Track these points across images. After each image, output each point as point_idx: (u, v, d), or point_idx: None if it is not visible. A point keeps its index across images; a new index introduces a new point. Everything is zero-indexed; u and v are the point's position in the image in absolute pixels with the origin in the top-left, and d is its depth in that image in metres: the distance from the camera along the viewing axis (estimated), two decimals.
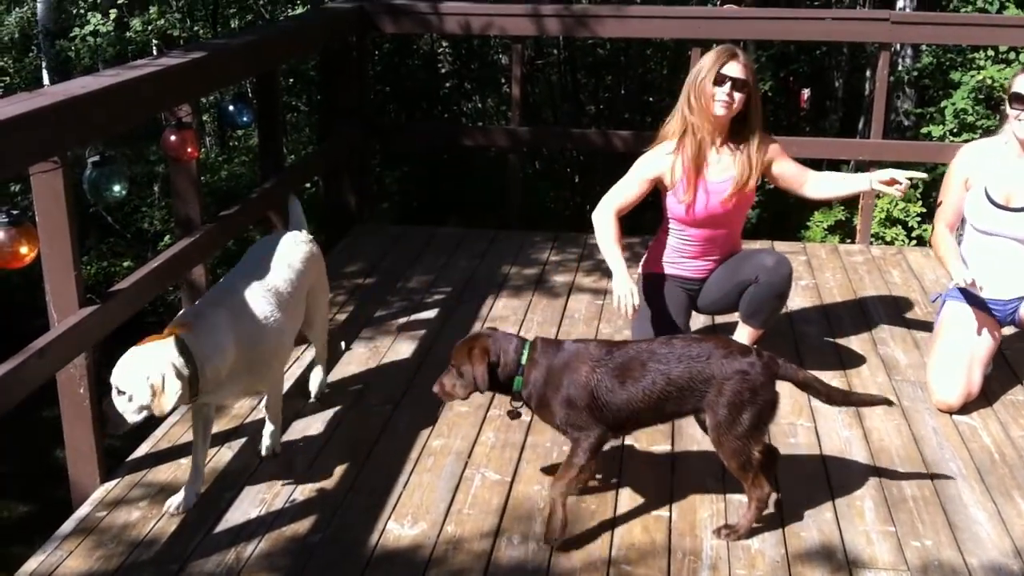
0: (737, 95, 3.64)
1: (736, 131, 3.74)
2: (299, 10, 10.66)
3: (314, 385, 3.76)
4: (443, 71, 10.98)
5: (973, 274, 3.54)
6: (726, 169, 3.75)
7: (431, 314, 4.54)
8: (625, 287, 3.52)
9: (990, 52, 7.94)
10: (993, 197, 3.69)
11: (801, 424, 3.58)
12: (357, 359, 4.08)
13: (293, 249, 3.49)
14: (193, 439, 3.13)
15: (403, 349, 4.17)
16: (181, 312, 3.24)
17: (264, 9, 11.02)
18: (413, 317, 4.50)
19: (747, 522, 2.94)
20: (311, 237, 3.63)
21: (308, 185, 8.70)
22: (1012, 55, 7.54)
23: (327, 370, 3.84)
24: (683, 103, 3.75)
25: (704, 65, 3.68)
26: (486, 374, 2.86)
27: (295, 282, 3.37)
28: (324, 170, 5.90)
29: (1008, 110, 3.63)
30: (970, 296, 3.77)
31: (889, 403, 3.13)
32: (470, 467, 3.29)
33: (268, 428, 3.36)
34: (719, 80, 3.63)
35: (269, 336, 3.15)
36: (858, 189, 3.86)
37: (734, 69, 3.63)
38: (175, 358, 2.79)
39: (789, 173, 3.85)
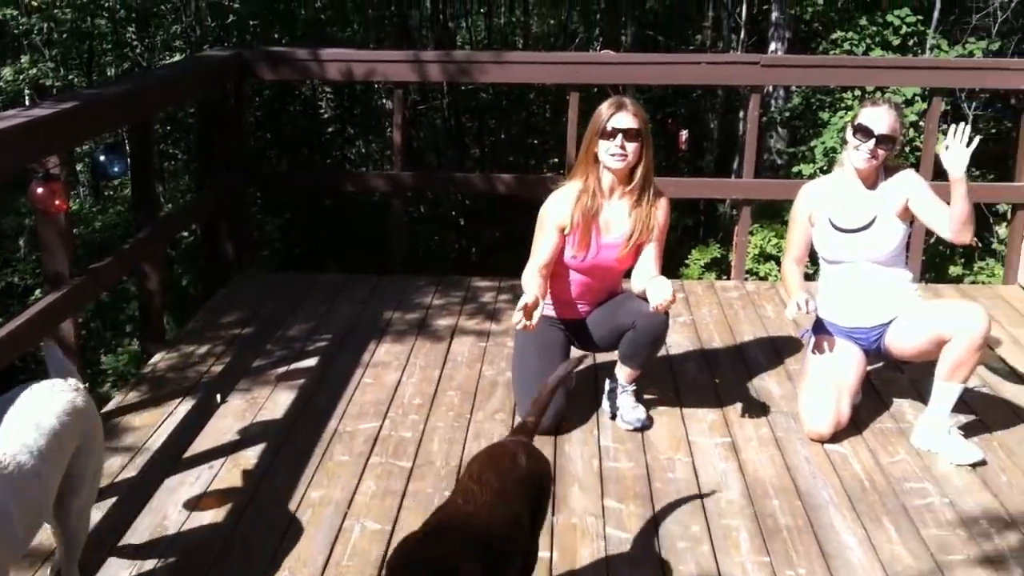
0: (630, 145, 3.67)
1: (632, 183, 3.75)
2: (177, 57, 10.54)
3: None
4: (325, 116, 10.97)
5: (803, 297, 3.67)
6: (620, 225, 3.79)
7: (311, 362, 4.49)
8: (530, 295, 3.44)
9: (857, 92, 8.28)
10: (838, 224, 3.84)
11: (679, 459, 3.64)
12: (233, 412, 4.00)
13: (44, 405, 2.55)
14: None
15: (282, 399, 4.10)
16: None
17: (141, 57, 10.86)
18: (293, 366, 4.44)
19: None
20: (79, 385, 2.72)
21: (186, 233, 8.56)
22: (879, 95, 7.87)
23: None
24: (582, 155, 3.79)
25: (595, 119, 3.71)
26: None
27: (37, 454, 2.42)
28: (201, 219, 5.80)
29: (850, 139, 3.78)
30: (835, 328, 3.91)
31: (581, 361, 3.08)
32: (349, 517, 3.24)
33: None
34: (610, 134, 3.67)
35: None
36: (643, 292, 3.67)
37: (623, 120, 3.66)
38: None
39: (645, 253, 3.83)
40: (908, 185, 3.79)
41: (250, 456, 3.65)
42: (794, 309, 3.68)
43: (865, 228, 3.78)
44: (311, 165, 10.29)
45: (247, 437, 3.79)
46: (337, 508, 3.30)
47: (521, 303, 3.41)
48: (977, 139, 3.58)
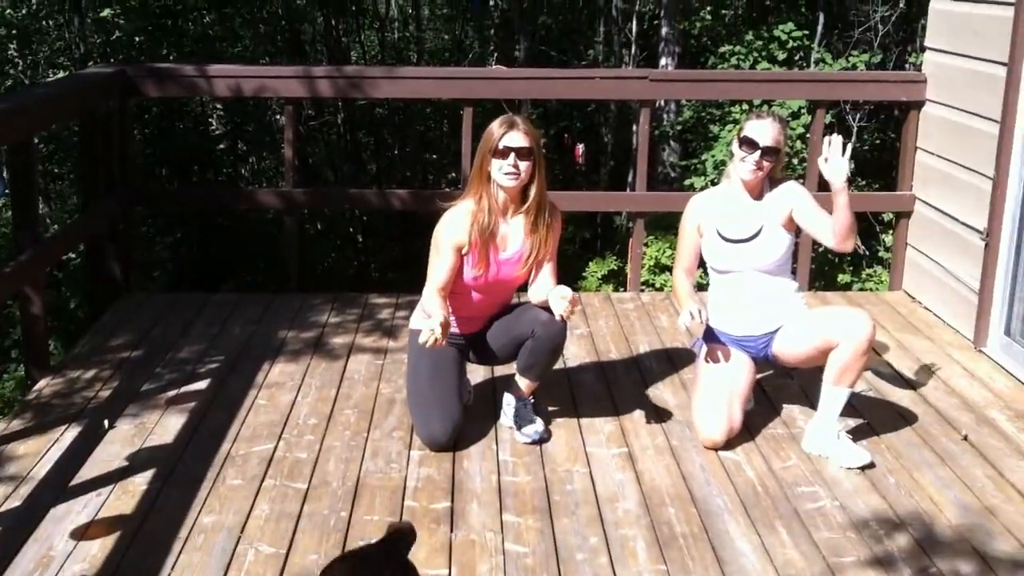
0: (523, 164, 3.67)
1: (527, 202, 3.76)
2: (62, 75, 10.26)
3: None
4: (216, 133, 10.79)
5: (695, 307, 3.71)
6: (516, 241, 3.79)
7: (203, 385, 4.38)
8: (428, 324, 3.44)
9: (745, 106, 8.46)
10: (725, 235, 3.91)
11: (577, 470, 3.65)
12: (121, 437, 3.88)
13: None
14: None
15: (172, 423, 4.00)
16: None
17: (24, 74, 10.55)
18: (183, 389, 4.33)
19: None
20: None
21: (73, 255, 8.32)
22: (765, 108, 8.05)
23: None
24: (475, 173, 3.77)
25: (487, 138, 3.70)
26: None
27: None
28: (87, 239, 5.64)
29: (736, 151, 3.86)
30: (725, 336, 3.97)
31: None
32: (243, 542, 3.16)
33: None
34: (502, 153, 3.66)
35: None
36: (548, 300, 3.69)
37: (515, 139, 3.66)
38: None
39: (543, 268, 3.86)
40: (791, 196, 3.88)
41: (139, 482, 3.54)
42: (687, 318, 3.73)
43: (752, 238, 3.86)
44: (202, 183, 10.10)
45: (136, 463, 3.68)
46: (230, 533, 3.22)
47: (431, 324, 3.40)
48: (850, 147, 3.70)
